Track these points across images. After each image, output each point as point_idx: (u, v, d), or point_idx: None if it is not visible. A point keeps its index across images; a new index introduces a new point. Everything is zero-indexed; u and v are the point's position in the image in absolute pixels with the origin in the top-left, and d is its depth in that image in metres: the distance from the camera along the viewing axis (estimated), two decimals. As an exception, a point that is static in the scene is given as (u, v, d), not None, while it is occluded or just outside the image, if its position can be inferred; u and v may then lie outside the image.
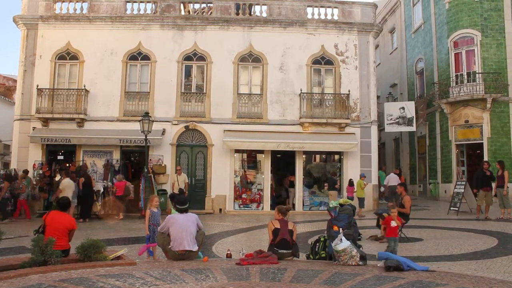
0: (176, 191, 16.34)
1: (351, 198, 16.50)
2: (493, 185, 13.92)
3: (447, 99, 20.50)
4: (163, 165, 17.99)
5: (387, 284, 5.50)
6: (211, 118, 18.44)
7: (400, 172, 22.04)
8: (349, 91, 18.62)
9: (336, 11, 19.43)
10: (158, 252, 8.49)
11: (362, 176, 16.84)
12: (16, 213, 16.02)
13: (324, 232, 8.21)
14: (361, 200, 16.43)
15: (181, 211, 7.71)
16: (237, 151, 18.65)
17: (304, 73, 18.91)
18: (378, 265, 6.64)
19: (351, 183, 16.98)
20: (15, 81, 24.68)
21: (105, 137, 17.64)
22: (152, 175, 17.22)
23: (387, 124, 22.00)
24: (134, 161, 19.80)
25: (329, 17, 19.35)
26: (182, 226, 7.44)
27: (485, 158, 18.52)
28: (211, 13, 19.68)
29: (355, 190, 16.65)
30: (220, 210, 18.08)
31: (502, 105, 19.80)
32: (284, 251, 7.42)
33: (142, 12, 19.05)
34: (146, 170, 16.55)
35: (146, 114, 16.12)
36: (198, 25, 19.01)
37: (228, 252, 7.95)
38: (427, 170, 23.03)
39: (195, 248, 7.50)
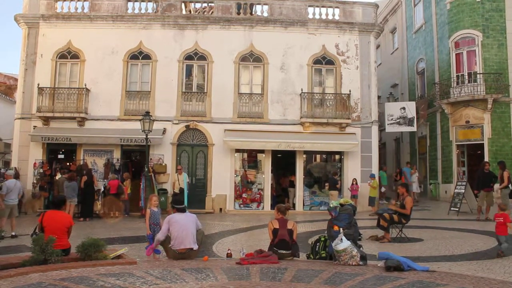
0: (176, 191, 16.41)
1: (356, 196, 16.81)
2: (497, 186, 13.89)
3: (448, 99, 20.48)
4: (163, 164, 18.00)
5: (387, 284, 5.50)
6: (212, 117, 18.43)
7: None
8: (350, 91, 18.60)
9: (337, 11, 19.41)
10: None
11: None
12: None
13: (324, 232, 8.21)
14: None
15: (180, 210, 7.76)
16: (237, 150, 18.65)
17: (305, 73, 18.89)
18: (379, 265, 6.64)
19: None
20: (16, 79, 24.69)
21: (106, 136, 17.63)
22: (153, 175, 17.22)
23: (387, 124, 22.00)
24: (135, 160, 19.79)
25: (330, 17, 19.33)
26: (183, 226, 7.53)
27: (486, 159, 18.51)
28: (212, 12, 19.68)
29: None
30: (221, 209, 18.08)
31: (503, 105, 19.79)
32: (284, 252, 7.42)
33: (143, 11, 19.04)
34: (146, 169, 16.56)
35: (147, 114, 16.12)
36: (199, 24, 19.01)
37: (229, 252, 7.95)
38: (428, 171, 23.03)
39: (195, 247, 7.57)
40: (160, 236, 7.62)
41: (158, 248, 8.06)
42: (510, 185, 13.48)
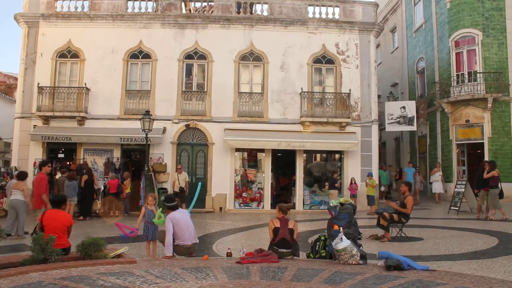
0: (176, 190, 16.41)
1: (355, 196, 16.84)
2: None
3: (448, 98, 20.48)
4: (163, 163, 17.99)
5: (387, 283, 5.50)
6: (212, 116, 18.43)
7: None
8: (350, 90, 18.60)
9: (337, 10, 19.41)
10: (159, 250, 8.50)
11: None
12: None
13: (324, 231, 8.21)
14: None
15: (173, 208, 7.93)
16: (237, 150, 18.66)
17: (305, 72, 18.89)
18: (379, 264, 6.63)
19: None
20: (16, 79, 24.67)
21: (106, 136, 17.64)
22: (153, 174, 17.23)
23: (387, 123, 21.98)
24: (135, 159, 19.81)
25: (330, 16, 19.33)
26: (186, 222, 7.87)
27: (486, 158, 18.50)
28: (212, 11, 19.67)
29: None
30: (221, 208, 18.08)
31: (503, 104, 19.79)
32: (284, 251, 7.41)
33: (143, 10, 19.03)
34: (146, 168, 16.56)
35: (147, 113, 16.11)
36: (199, 23, 19.00)
37: (229, 251, 7.96)
38: (428, 170, 23.01)
39: (197, 240, 8.08)
40: (169, 236, 7.68)
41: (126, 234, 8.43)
42: (499, 185, 13.39)
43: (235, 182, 18.49)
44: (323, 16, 19.30)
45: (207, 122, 18.42)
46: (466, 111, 20.13)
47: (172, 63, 18.67)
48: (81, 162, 17.68)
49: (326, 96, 18.83)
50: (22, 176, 11.35)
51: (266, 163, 18.62)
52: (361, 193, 17.55)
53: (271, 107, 18.63)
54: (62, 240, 6.95)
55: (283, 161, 19.33)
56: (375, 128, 19.10)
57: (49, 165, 12.75)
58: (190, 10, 20.30)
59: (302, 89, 18.50)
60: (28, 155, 17.95)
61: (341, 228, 7.55)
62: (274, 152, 18.73)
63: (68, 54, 18.73)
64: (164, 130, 18.14)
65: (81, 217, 15.40)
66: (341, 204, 8.18)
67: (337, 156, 19.41)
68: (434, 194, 20.10)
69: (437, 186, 19.79)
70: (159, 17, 18.89)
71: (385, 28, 26.82)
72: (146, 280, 5.57)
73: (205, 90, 18.73)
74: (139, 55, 18.81)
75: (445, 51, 21.38)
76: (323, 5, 19.41)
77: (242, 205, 18.45)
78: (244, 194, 18.57)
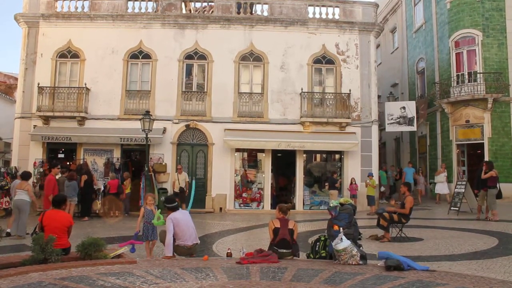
0: (176, 190, 16.42)
1: (355, 196, 16.84)
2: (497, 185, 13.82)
3: (448, 99, 20.48)
4: (163, 163, 17.99)
5: (387, 284, 5.50)
6: (212, 117, 18.43)
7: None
8: (350, 90, 18.60)
9: (337, 10, 19.42)
10: (159, 249, 8.51)
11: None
12: None
13: (324, 232, 8.20)
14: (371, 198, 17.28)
15: (174, 209, 7.97)
16: (237, 150, 18.66)
17: (305, 72, 18.89)
18: (379, 264, 6.64)
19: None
20: (16, 79, 24.67)
21: (106, 136, 17.64)
22: (153, 174, 17.22)
23: (387, 123, 21.98)
24: (135, 159, 19.81)
25: (330, 16, 19.34)
26: (187, 223, 7.88)
27: (486, 158, 18.50)
28: (212, 12, 19.67)
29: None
30: (221, 209, 18.08)
31: (503, 105, 19.80)
32: (284, 251, 7.41)
33: (143, 10, 19.03)
34: (146, 168, 16.56)
35: (147, 113, 16.11)
36: (199, 24, 19.00)
37: (229, 251, 7.95)
38: (428, 170, 23.02)
39: (199, 241, 8.10)
40: (170, 236, 7.70)
41: (134, 246, 8.22)
42: (498, 185, 13.36)
43: (235, 182, 18.49)
44: (323, 16, 19.30)
45: (207, 122, 18.42)
46: (466, 111, 20.13)
47: (172, 63, 18.67)
48: (81, 162, 17.68)
49: (326, 96, 18.83)
50: (26, 176, 11.48)
51: (266, 163, 18.62)
52: (361, 194, 17.55)
53: (271, 107, 18.63)
54: (62, 240, 6.95)
55: (283, 161, 19.33)
56: (375, 129, 19.10)
57: (58, 166, 12.93)
58: (190, 10, 20.30)
59: (302, 89, 18.49)
60: (28, 155, 17.95)
61: (341, 228, 7.55)
62: (274, 152, 18.72)
63: (68, 54, 18.73)
64: (164, 130, 18.14)
65: (86, 218, 15.37)
66: (341, 204, 8.18)
67: (337, 156, 19.40)
68: (436, 194, 19.99)
69: (442, 187, 19.52)
70: (159, 17, 18.89)
71: (385, 28, 26.82)
72: (146, 280, 5.57)
73: (205, 90, 18.73)
74: (139, 55, 18.81)
75: (445, 52, 21.38)
76: (323, 5, 19.42)
77: (242, 205, 18.45)
78: (244, 195, 18.57)
